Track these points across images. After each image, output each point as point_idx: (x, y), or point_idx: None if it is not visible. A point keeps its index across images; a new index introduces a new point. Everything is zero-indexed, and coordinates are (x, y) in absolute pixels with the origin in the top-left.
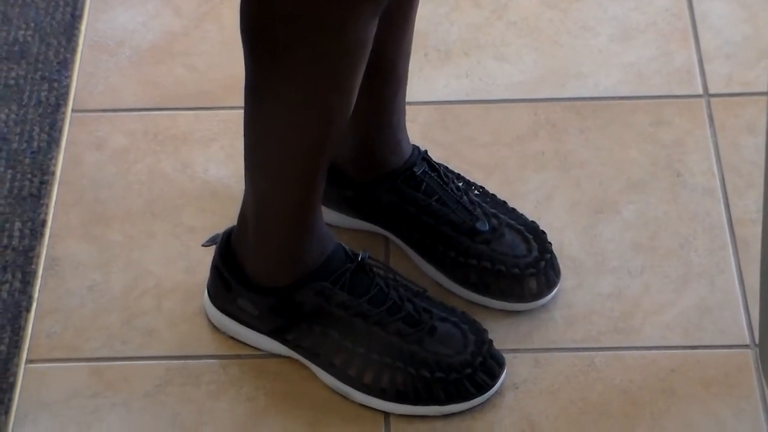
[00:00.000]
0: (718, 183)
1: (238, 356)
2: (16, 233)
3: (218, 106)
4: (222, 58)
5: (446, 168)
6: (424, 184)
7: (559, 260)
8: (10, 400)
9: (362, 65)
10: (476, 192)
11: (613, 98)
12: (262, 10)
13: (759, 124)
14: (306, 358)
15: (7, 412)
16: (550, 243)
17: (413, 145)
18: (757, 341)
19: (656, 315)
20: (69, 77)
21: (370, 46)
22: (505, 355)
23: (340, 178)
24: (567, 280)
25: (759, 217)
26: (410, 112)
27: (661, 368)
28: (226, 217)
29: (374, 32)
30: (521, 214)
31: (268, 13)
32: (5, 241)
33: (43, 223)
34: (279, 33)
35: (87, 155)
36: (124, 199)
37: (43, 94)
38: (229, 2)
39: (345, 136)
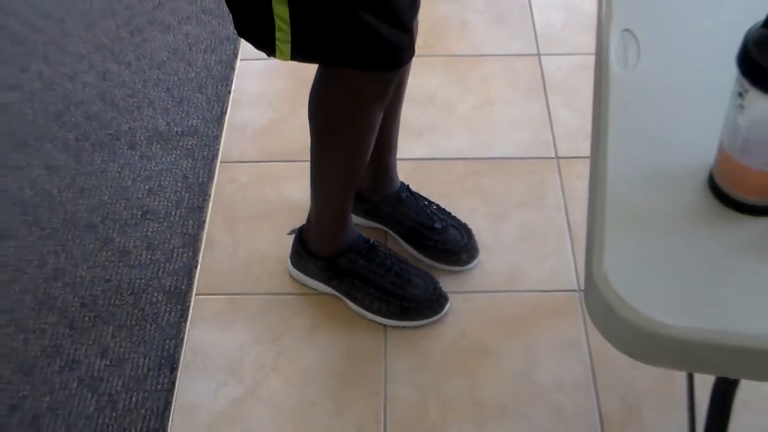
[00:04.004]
0: (562, 204)
1: (306, 294)
2: (190, 227)
3: (297, 160)
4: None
5: (419, 194)
6: (407, 202)
7: (478, 244)
8: (188, 315)
9: (374, 136)
10: (434, 207)
11: (509, 158)
12: (321, 109)
13: (584, 173)
14: (342, 295)
15: (185, 321)
16: (473, 235)
17: (401, 181)
18: (582, 288)
19: (530, 273)
20: (218, 143)
21: (378, 126)
22: (449, 294)
23: (361, 198)
24: (482, 255)
25: (584, 224)
26: (399, 165)
27: (533, 303)
28: (301, 219)
29: (381, 117)
30: (459, 219)
31: (325, 112)
32: (184, 230)
33: (204, 222)
34: (328, 121)
35: (227, 186)
36: (246, 210)
37: (204, 152)
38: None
39: (364, 175)
